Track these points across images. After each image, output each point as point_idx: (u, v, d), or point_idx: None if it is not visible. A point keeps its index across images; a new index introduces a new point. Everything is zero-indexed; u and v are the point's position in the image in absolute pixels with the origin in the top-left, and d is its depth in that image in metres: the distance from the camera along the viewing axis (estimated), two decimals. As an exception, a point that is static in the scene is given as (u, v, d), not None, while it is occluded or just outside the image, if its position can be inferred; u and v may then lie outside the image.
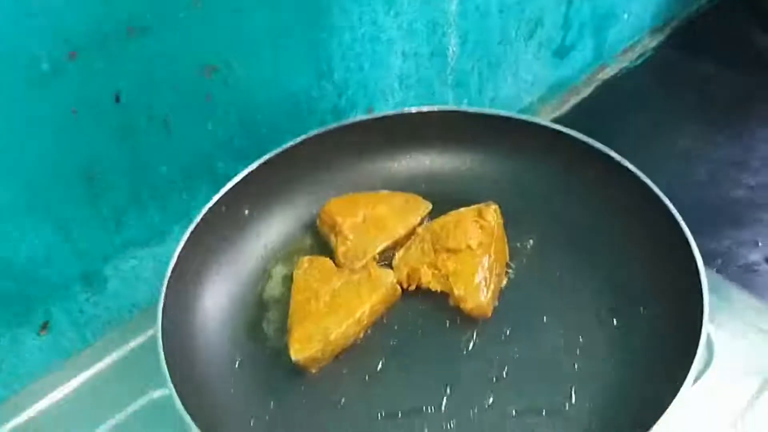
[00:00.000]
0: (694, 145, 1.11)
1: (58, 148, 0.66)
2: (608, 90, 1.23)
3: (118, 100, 0.67)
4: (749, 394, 0.61)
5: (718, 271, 0.83)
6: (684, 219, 0.62)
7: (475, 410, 0.58)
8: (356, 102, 0.88)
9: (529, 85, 1.14)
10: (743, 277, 0.93)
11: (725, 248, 0.97)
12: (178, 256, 0.63)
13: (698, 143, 1.12)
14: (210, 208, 0.67)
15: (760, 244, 0.97)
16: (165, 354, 0.57)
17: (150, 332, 0.72)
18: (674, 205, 0.63)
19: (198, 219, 0.65)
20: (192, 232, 0.64)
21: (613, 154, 0.68)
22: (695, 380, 0.62)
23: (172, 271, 0.62)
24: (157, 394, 0.66)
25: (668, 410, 0.50)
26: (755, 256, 0.96)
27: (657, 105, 1.19)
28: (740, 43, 1.28)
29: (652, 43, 1.30)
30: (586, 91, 1.23)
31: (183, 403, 0.53)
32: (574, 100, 1.22)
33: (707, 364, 0.63)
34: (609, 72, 1.25)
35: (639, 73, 1.26)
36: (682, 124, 1.15)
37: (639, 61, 1.27)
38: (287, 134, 0.76)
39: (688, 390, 0.52)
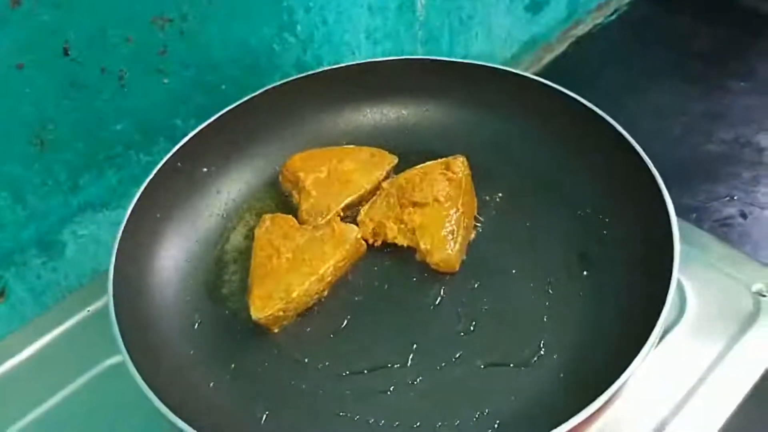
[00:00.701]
0: (669, 100, 1.10)
1: (5, 105, 0.63)
2: (582, 46, 1.21)
3: (67, 53, 0.64)
4: (724, 341, 0.60)
5: (692, 225, 0.82)
6: (659, 173, 0.60)
7: (443, 365, 0.56)
8: (322, 57, 0.85)
9: (502, 41, 1.11)
10: (718, 230, 0.92)
11: (700, 202, 0.96)
12: (130, 216, 0.60)
13: (673, 98, 1.10)
14: (164, 165, 0.64)
15: (735, 198, 0.96)
16: (117, 318, 0.55)
17: (107, 298, 0.70)
18: (649, 159, 0.61)
19: (151, 176, 0.63)
20: (145, 190, 0.62)
21: (585, 102, 0.66)
22: (670, 329, 0.61)
23: (124, 231, 0.59)
24: (115, 359, 0.65)
25: (636, 361, 0.49)
26: (730, 210, 0.95)
27: (632, 61, 1.17)
28: (714, -3, 1.27)
29: (626, -3, 1.28)
30: (560, 48, 1.21)
31: (137, 368, 0.51)
32: (548, 58, 1.20)
33: (681, 313, 0.62)
34: (583, 28, 1.23)
35: (613, 29, 1.24)
36: (657, 79, 1.13)
37: (613, 17, 1.25)
38: (249, 90, 0.74)
39: (656, 340, 0.50)
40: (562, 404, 0.51)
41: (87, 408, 0.63)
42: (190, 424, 0.47)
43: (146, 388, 0.49)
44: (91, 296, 0.71)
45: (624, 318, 0.56)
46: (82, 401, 0.63)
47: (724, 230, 0.93)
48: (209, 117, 0.69)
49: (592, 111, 0.66)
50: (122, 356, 0.51)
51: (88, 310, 0.69)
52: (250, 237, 0.66)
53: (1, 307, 0.72)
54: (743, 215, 0.94)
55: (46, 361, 0.67)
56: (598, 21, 1.24)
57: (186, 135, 0.68)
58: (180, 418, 0.47)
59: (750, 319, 0.62)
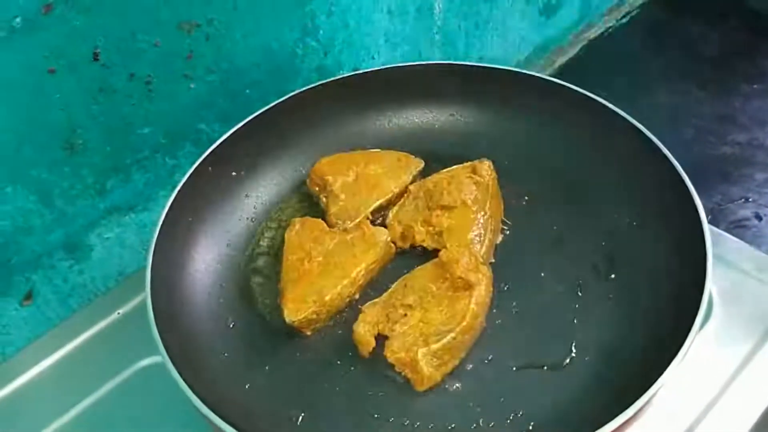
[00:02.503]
0: (681, 102, 1.11)
1: (37, 110, 0.64)
2: (595, 49, 1.22)
3: (96, 58, 0.65)
4: (751, 344, 0.61)
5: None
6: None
7: (474, 366, 0.57)
8: (342, 61, 0.85)
9: (516, 45, 1.12)
10: (734, 232, 0.93)
11: (715, 204, 0.96)
12: (165, 219, 0.61)
13: (686, 101, 1.11)
14: (195, 170, 0.64)
15: (749, 199, 0.97)
16: (156, 320, 0.55)
17: (137, 300, 0.71)
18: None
19: (183, 181, 0.63)
20: (178, 195, 0.62)
21: (610, 105, 0.67)
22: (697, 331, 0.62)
23: (159, 235, 0.60)
24: (145, 362, 0.66)
25: (671, 367, 0.49)
26: (745, 212, 0.96)
27: (644, 63, 1.18)
28: (726, 1, 1.27)
29: (638, 1, 1.29)
30: (572, 51, 1.22)
31: (177, 371, 0.51)
32: (560, 61, 1.20)
33: (707, 316, 0.63)
34: (595, 31, 1.24)
35: (625, 32, 1.25)
36: (669, 82, 1.14)
37: (625, 20, 1.26)
38: (271, 95, 0.74)
39: (690, 346, 0.50)
40: (595, 407, 0.52)
41: (119, 410, 0.64)
42: (231, 425, 0.47)
43: (187, 389, 0.49)
44: (119, 299, 0.72)
45: (655, 321, 0.56)
46: (114, 404, 0.64)
47: (739, 231, 0.94)
48: (233, 121, 0.70)
49: (618, 114, 0.66)
50: (161, 357, 0.52)
51: (119, 313, 0.70)
52: (280, 240, 0.66)
53: (28, 310, 0.72)
54: (758, 217, 0.95)
55: (77, 364, 0.68)
56: (610, 24, 1.25)
57: (211, 139, 0.69)
58: (221, 419, 0.48)
59: (776, 321, 0.63)
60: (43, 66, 0.62)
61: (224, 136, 0.67)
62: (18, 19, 0.58)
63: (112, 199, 0.73)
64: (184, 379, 0.50)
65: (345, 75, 0.75)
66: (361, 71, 0.76)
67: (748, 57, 1.18)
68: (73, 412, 0.64)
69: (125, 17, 0.65)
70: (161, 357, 0.52)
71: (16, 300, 0.71)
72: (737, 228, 0.94)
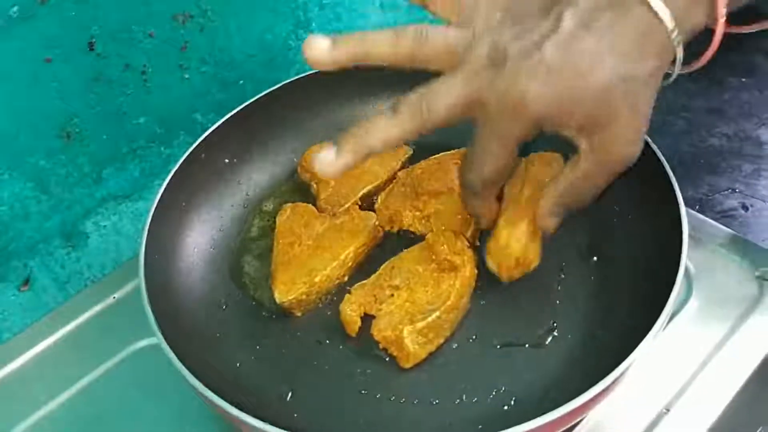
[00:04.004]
0: (671, 96, 1.11)
1: (33, 99, 0.65)
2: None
3: (92, 47, 0.66)
4: (727, 325, 0.62)
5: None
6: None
7: (458, 344, 0.58)
8: (335, 54, 0.87)
9: (508, 39, 1.13)
10: (721, 222, 0.94)
11: (702, 195, 0.98)
12: (158, 204, 0.62)
13: (675, 94, 1.12)
14: (189, 156, 0.66)
15: (737, 190, 0.98)
16: (150, 302, 0.56)
17: (132, 285, 0.73)
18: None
19: (177, 167, 0.65)
20: (171, 180, 0.64)
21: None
22: (676, 312, 0.64)
23: (153, 219, 0.61)
24: (140, 344, 0.67)
25: (644, 344, 0.50)
26: (732, 203, 0.97)
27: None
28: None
29: (629, -4, 1.30)
30: (563, 45, 1.23)
31: (172, 350, 0.53)
32: (552, 55, 1.21)
33: (687, 297, 0.65)
34: (587, 26, 1.25)
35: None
36: (660, 75, 1.15)
37: (616, 15, 1.27)
38: (265, 86, 0.76)
39: (663, 324, 0.51)
40: (575, 382, 0.53)
41: (114, 390, 0.65)
42: (224, 399, 0.49)
43: (182, 368, 0.51)
44: (115, 285, 0.74)
45: (634, 302, 0.58)
46: (110, 384, 0.65)
47: (726, 221, 0.95)
48: (228, 111, 0.71)
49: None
50: (156, 338, 0.53)
51: (114, 297, 0.71)
52: (271, 225, 0.68)
53: (25, 296, 0.74)
54: (745, 207, 0.96)
55: (73, 346, 0.69)
56: (601, 19, 1.26)
57: (205, 129, 0.70)
58: (216, 394, 0.49)
59: (754, 303, 0.64)
60: (39, 55, 0.64)
61: (217, 124, 0.69)
62: (15, 9, 0.60)
63: (108, 187, 0.75)
64: (177, 356, 0.52)
65: (336, 65, 0.76)
66: (351, 61, 0.77)
67: (737, 50, 1.19)
68: (69, 393, 0.65)
69: (120, 7, 0.66)
70: (155, 336, 0.53)
71: (13, 286, 0.72)
72: (724, 218, 0.95)
